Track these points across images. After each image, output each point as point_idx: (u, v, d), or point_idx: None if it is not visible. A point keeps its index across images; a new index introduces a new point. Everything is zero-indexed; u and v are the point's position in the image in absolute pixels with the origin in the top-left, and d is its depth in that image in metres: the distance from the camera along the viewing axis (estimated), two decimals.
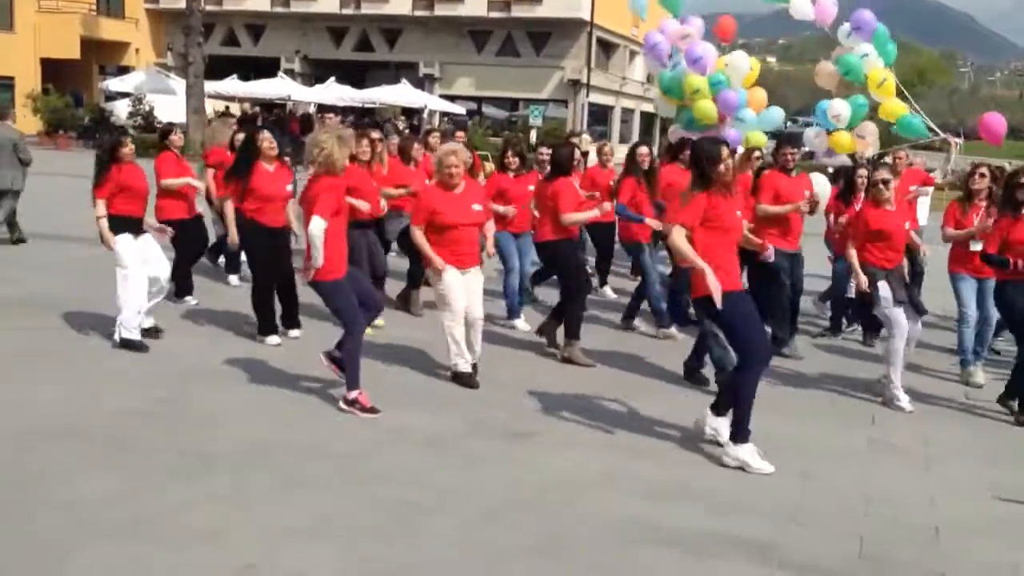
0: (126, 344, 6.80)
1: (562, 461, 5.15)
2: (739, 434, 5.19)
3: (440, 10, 41.02)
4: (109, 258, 6.99)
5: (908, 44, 62.36)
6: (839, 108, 10.48)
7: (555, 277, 8.14)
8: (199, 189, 8.75)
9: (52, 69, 36.91)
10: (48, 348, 6.81)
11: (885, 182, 6.59)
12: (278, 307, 7.49)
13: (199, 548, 3.90)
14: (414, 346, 7.38)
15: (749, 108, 10.71)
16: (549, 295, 8.91)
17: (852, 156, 10.56)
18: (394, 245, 9.30)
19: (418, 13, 41.40)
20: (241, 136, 9.00)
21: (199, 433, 5.24)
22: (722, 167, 5.16)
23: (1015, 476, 5.41)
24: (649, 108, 39.12)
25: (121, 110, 31.15)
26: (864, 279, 6.56)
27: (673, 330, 8.34)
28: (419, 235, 6.45)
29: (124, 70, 38.46)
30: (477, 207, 6.51)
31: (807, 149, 11.98)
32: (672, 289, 8.53)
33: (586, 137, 23.65)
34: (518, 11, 39.97)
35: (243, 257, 8.31)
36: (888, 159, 9.55)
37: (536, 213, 7.86)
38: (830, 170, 10.14)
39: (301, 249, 6.08)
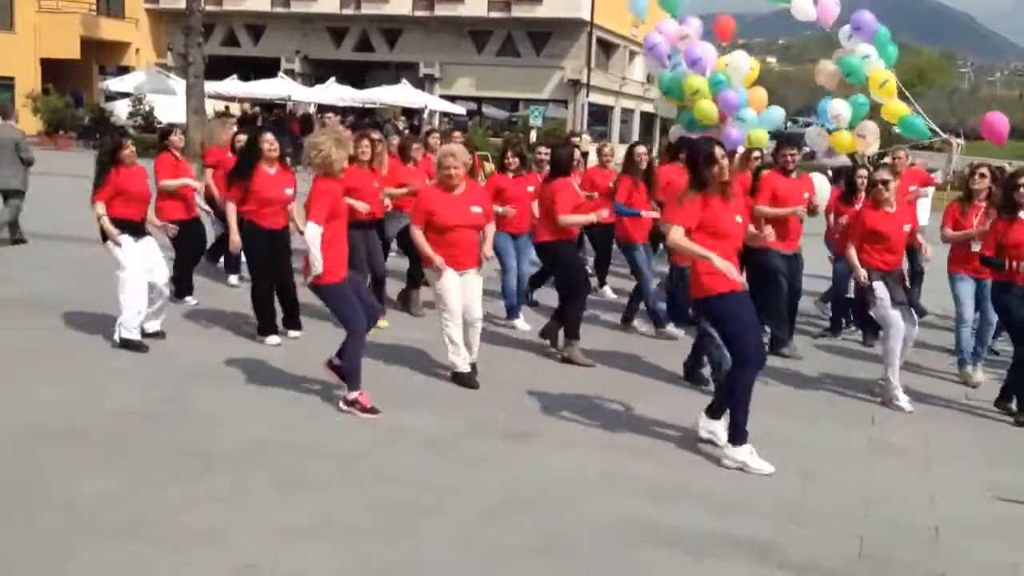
0: (126, 344, 6.80)
1: (562, 461, 5.15)
2: (737, 436, 5.19)
3: (440, 10, 41.02)
4: (109, 258, 6.99)
5: (908, 44, 62.32)
6: (839, 108, 10.48)
7: (553, 279, 8.13)
8: (197, 189, 8.75)
9: (52, 69, 36.92)
10: (48, 348, 6.81)
11: (885, 182, 6.59)
12: (278, 308, 7.50)
13: (199, 548, 3.90)
14: (414, 346, 7.38)
15: (749, 108, 10.71)
16: (548, 296, 8.90)
17: (852, 156, 10.56)
18: (394, 245, 9.30)
19: (418, 13, 41.39)
20: (242, 137, 9.03)
21: (199, 433, 5.24)
22: (716, 168, 5.16)
23: (1015, 476, 5.41)
24: (649, 108, 39.11)
25: (121, 110, 31.16)
26: (863, 274, 6.56)
27: (671, 328, 8.35)
28: (418, 234, 6.45)
29: (124, 70, 38.45)
30: (476, 209, 6.48)
31: (808, 149, 11.98)
32: (671, 288, 8.54)
33: (586, 137, 23.69)
34: (518, 11, 39.96)
35: (243, 257, 8.32)
36: (888, 159, 9.55)
37: (537, 214, 7.86)
38: (829, 172, 10.14)
39: (302, 249, 6.08)
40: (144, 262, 6.99)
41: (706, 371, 6.81)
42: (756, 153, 8.90)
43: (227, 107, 32.95)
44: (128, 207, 6.92)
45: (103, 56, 39.84)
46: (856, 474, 5.26)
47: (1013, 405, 6.57)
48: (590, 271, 10.22)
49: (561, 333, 7.45)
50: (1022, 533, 4.61)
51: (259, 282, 7.36)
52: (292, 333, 7.53)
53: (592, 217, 7.32)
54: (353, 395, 5.72)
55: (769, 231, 5.73)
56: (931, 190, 10.30)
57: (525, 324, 8.36)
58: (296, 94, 32.79)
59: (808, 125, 17.37)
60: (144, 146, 8.23)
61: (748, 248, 5.43)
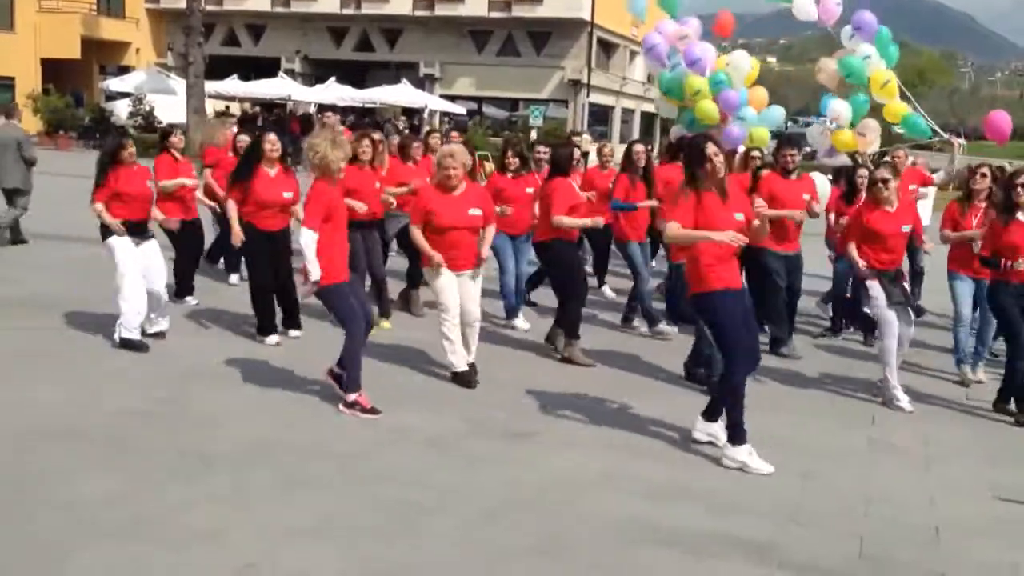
0: (126, 344, 6.80)
1: (562, 461, 5.15)
2: (735, 435, 5.19)
3: (440, 10, 41.01)
4: (109, 258, 6.99)
5: (908, 44, 62.36)
6: (839, 109, 10.48)
7: (551, 279, 8.14)
8: (198, 186, 8.76)
9: (52, 69, 36.91)
10: (48, 348, 6.81)
11: (885, 181, 6.59)
12: (278, 308, 7.50)
13: (199, 548, 3.90)
14: (414, 346, 7.38)
15: (750, 107, 10.71)
16: (547, 296, 8.89)
17: (853, 156, 10.56)
18: (394, 245, 9.31)
19: (418, 13, 41.39)
20: (243, 138, 9.05)
21: (199, 433, 5.24)
22: (709, 165, 5.17)
23: (1015, 476, 5.41)
24: (649, 108, 39.10)
25: (121, 110, 31.18)
26: (863, 267, 6.56)
27: (664, 326, 8.36)
28: (417, 233, 6.47)
29: (124, 70, 38.44)
30: (475, 211, 6.46)
31: (809, 149, 11.96)
32: (670, 287, 8.55)
33: (586, 137, 23.69)
34: (518, 11, 39.96)
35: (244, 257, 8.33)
36: (888, 159, 9.55)
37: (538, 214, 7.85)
38: (829, 176, 10.14)
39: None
40: (145, 262, 7.00)
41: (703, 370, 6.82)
42: (756, 153, 8.90)
43: (227, 107, 32.96)
44: (127, 208, 6.91)
45: (103, 56, 39.83)
46: (856, 474, 5.26)
47: (1012, 406, 6.57)
48: (589, 271, 10.23)
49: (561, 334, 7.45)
50: (1022, 533, 4.62)
51: (258, 283, 7.36)
52: (292, 333, 7.54)
53: (587, 222, 7.26)
54: (352, 397, 5.72)
55: (761, 203, 5.78)
56: (932, 190, 10.29)
57: (525, 323, 8.37)
58: (296, 94, 32.80)
59: (808, 125, 17.37)
60: (144, 146, 8.22)
61: (747, 248, 5.43)
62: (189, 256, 8.65)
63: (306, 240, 5.61)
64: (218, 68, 33.64)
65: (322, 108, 31.21)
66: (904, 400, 6.56)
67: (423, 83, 39.24)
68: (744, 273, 6.93)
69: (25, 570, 3.69)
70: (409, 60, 41.58)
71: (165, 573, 3.71)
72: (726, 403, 5.29)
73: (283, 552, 3.91)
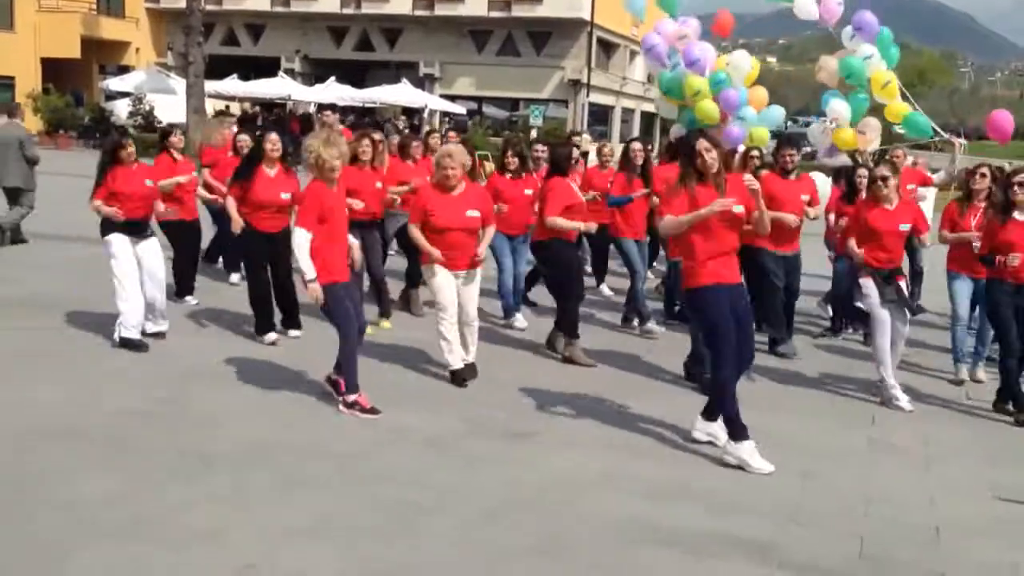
0: (125, 343, 6.80)
1: (562, 461, 5.15)
2: (734, 432, 5.20)
3: (440, 10, 41.00)
4: (107, 256, 6.99)
5: (908, 44, 62.36)
6: (839, 109, 10.47)
7: (548, 279, 8.15)
8: (198, 183, 8.76)
9: (52, 69, 36.90)
10: (48, 348, 6.81)
11: (884, 178, 6.59)
12: (277, 308, 7.50)
13: (199, 548, 3.90)
14: (414, 346, 7.38)
15: (750, 107, 10.71)
16: (546, 296, 8.88)
17: (853, 156, 10.55)
18: (394, 245, 9.31)
19: (418, 13, 41.37)
20: (243, 137, 9.05)
21: (199, 433, 5.24)
22: (699, 160, 5.19)
23: (1015, 476, 5.41)
24: (649, 108, 39.07)
25: (121, 110, 31.17)
26: (860, 256, 6.55)
27: (652, 325, 8.39)
28: (415, 231, 6.49)
29: (124, 70, 38.44)
30: (472, 212, 6.45)
31: (809, 149, 11.94)
32: (669, 285, 8.56)
33: (586, 137, 23.68)
34: (518, 11, 39.94)
35: None
36: (887, 157, 9.54)
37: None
38: (829, 177, 10.14)
39: None
40: (145, 260, 7.00)
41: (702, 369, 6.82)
42: (755, 152, 8.90)
43: (227, 106, 32.94)
44: (123, 207, 6.91)
45: (103, 55, 39.81)
46: (856, 474, 5.26)
47: (1010, 406, 6.58)
48: (588, 270, 10.24)
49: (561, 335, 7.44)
50: (1022, 533, 4.62)
51: (256, 283, 7.37)
52: (292, 333, 7.54)
53: (580, 226, 7.20)
54: (352, 397, 5.71)
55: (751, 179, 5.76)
56: (932, 191, 10.28)
57: (523, 321, 8.38)
58: (296, 93, 32.80)
59: (808, 125, 17.36)
60: (144, 146, 8.21)
61: (744, 248, 5.44)
62: (187, 256, 8.65)
63: (299, 240, 5.60)
64: (218, 68, 33.64)
65: (322, 107, 31.24)
66: (903, 399, 6.56)
67: (423, 83, 39.24)
68: (743, 273, 6.94)
69: (25, 570, 3.69)
70: (409, 60, 41.57)
71: (165, 573, 3.71)
72: (717, 400, 5.32)
73: (282, 552, 3.91)
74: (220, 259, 10.15)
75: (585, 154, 12.04)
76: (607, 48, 43.41)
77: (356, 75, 38.85)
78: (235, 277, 9.52)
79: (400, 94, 33.43)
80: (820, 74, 11.20)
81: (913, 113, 10.51)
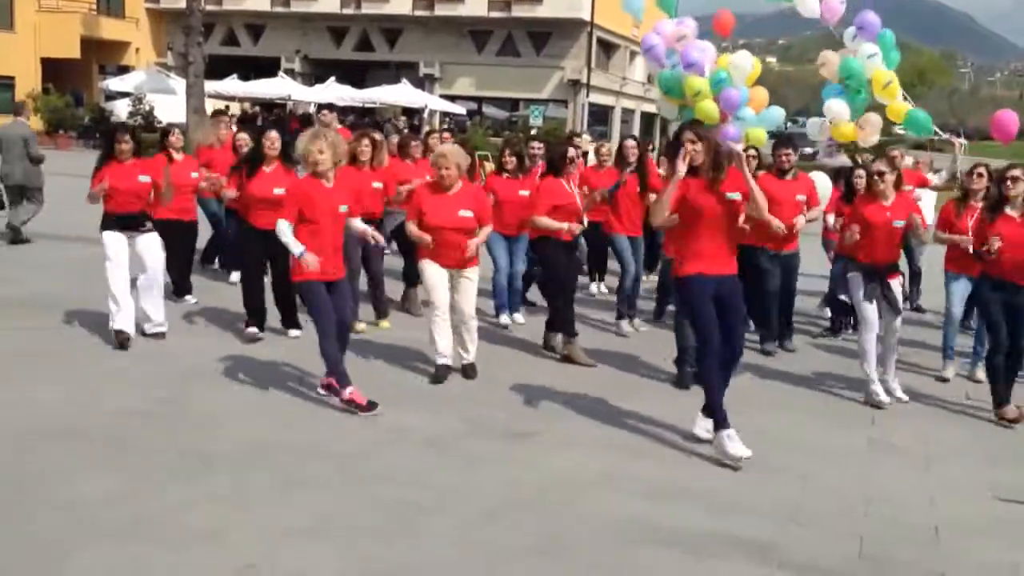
0: (115, 333, 6.87)
1: (562, 461, 5.15)
2: (716, 422, 5.25)
3: (440, 10, 41.01)
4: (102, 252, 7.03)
5: (908, 44, 62.35)
6: (837, 108, 10.46)
7: (539, 278, 8.15)
8: (198, 180, 8.77)
9: (52, 69, 36.91)
10: (48, 348, 6.81)
11: (880, 174, 6.60)
12: (276, 308, 7.50)
13: (199, 548, 3.90)
14: (413, 346, 7.37)
15: (749, 107, 10.70)
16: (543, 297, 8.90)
17: (853, 157, 10.55)
18: (393, 245, 9.31)
19: (418, 13, 41.39)
20: (242, 136, 9.05)
21: (199, 433, 5.24)
22: (683, 151, 5.22)
23: (1015, 476, 5.41)
24: (649, 108, 39.12)
25: (121, 110, 31.14)
26: (853, 233, 6.56)
27: (625, 324, 8.43)
28: (412, 227, 6.53)
29: (124, 70, 38.44)
30: (465, 213, 6.45)
31: (809, 150, 11.95)
32: (663, 281, 8.58)
33: (586, 137, 23.66)
34: (518, 11, 39.96)
35: None
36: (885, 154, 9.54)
37: None
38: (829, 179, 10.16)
39: None
40: (141, 255, 7.03)
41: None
42: (752, 152, 8.90)
43: (227, 106, 32.91)
44: (114, 202, 6.97)
45: (103, 56, 39.82)
46: (856, 474, 5.26)
47: (1012, 405, 6.57)
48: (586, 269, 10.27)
49: (559, 335, 7.44)
50: (1022, 533, 4.61)
51: (247, 278, 7.41)
52: (292, 333, 7.54)
53: (564, 226, 7.13)
54: (346, 393, 5.71)
55: (747, 228, 5.85)
56: (931, 194, 10.27)
57: (508, 319, 8.40)
58: (296, 94, 32.77)
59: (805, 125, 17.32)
60: (144, 145, 8.20)
61: (740, 247, 5.50)
62: (183, 256, 8.67)
63: (280, 228, 5.69)
64: (218, 68, 33.62)
65: (321, 107, 31.19)
66: (881, 393, 6.58)
67: (423, 83, 39.23)
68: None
69: (25, 570, 3.69)
70: (409, 60, 41.58)
71: (165, 573, 3.71)
72: (703, 388, 5.38)
73: (282, 552, 3.91)
74: (216, 260, 10.16)
75: (585, 154, 12.03)
76: (607, 48, 43.42)
77: (356, 75, 38.84)
78: (234, 276, 9.51)
79: (400, 94, 33.42)
80: (822, 69, 11.18)
81: (914, 110, 10.50)
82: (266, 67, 38.11)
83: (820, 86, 11.47)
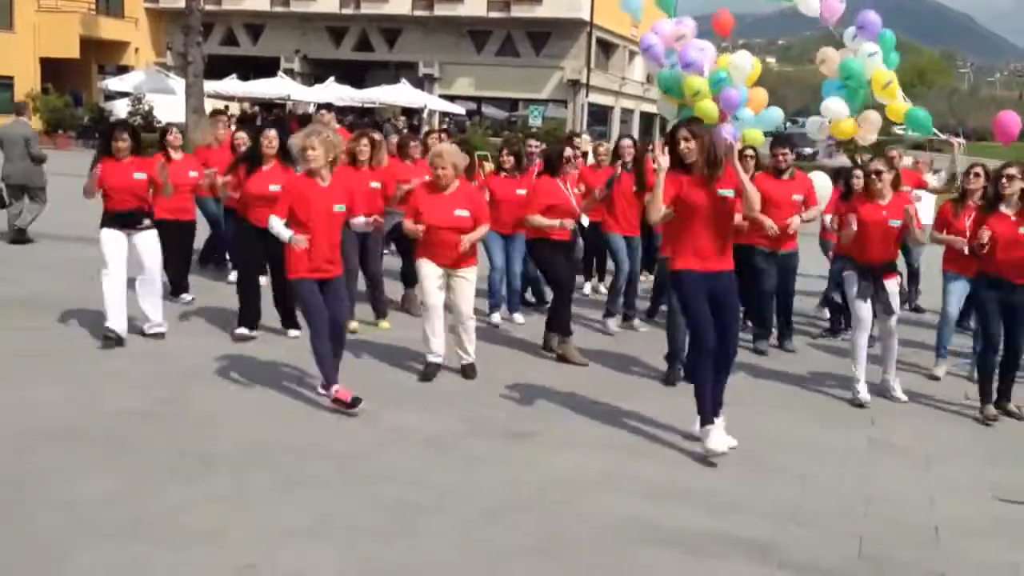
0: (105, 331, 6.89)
1: (562, 461, 5.15)
2: (700, 416, 5.30)
3: (440, 10, 41.03)
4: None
5: (908, 44, 62.35)
6: (836, 108, 10.46)
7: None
8: (199, 182, 8.78)
9: (52, 69, 36.91)
10: (48, 348, 6.81)
11: (878, 173, 6.60)
12: (276, 309, 7.50)
13: (199, 548, 3.90)
14: (412, 346, 7.36)
15: (748, 107, 10.69)
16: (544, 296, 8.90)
17: (852, 158, 10.55)
18: (391, 245, 9.31)
19: (418, 13, 41.40)
20: (241, 135, 9.04)
21: (199, 433, 5.24)
22: (677, 149, 5.26)
23: (1015, 476, 5.41)
24: (649, 108, 39.15)
25: (120, 110, 31.11)
26: (850, 226, 6.56)
27: (611, 323, 8.44)
28: (408, 223, 6.55)
29: (123, 69, 38.44)
30: (461, 212, 6.44)
31: (809, 151, 11.94)
32: (659, 281, 8.58)
33: (586, 137, 23.67)
34: (518, 11, 39.98)
35: None
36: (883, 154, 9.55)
37: None
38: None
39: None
40: (139, 252, 7.04)
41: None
42: (750, 152, 8.90)
43: (226, 106, 32.91)
44: (110, 200, 6.98)
45: (102, 55, 39.81)
46: (856, 474, 5.26)
47: (1012, 405, 6.59)
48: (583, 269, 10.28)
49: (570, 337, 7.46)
50: (1022, 533, 4.62)
51: (246, 280, 7.43)
52: (292, 333, 7.54)
53: (555, 224, 7.13)
54: (332, 391, 5.72)
55: (745, 225, 5.91)
56: (930, 195, 10.27)
57: (520, 318, 8.38)
58: (295, 94, 32.78)
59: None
60: (143, 145, 8.20)
61: (736, 247, 5.52)
62: (181, 256, 8.68)
63: (271, 222, 5.76)
64: (217, 68, 33.63)
65: (320, 107, 31.20)
66: (863, 391, 6.60)
67: (422, 83, 39.25)
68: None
69: (25, 570, 3.69)
70: (408, 60, 41.60)
71: (165, 573, 3.71)
72: (693, 382, 5.43)
73: (282, 552, 3.91)
74: (214, 260, 10.16)
75: (585, 154, 12.04)
76: (606, 48, 43.44)
77: (355, 75, 38.85)
78: (233, 276, 9.51)
79: (399, 94, 33.43)
80: (821, 66, 11.18)
81: (914, 108, 10.50)
82: (265, 67, 38.12)
83: (819, 86, 11.47)
